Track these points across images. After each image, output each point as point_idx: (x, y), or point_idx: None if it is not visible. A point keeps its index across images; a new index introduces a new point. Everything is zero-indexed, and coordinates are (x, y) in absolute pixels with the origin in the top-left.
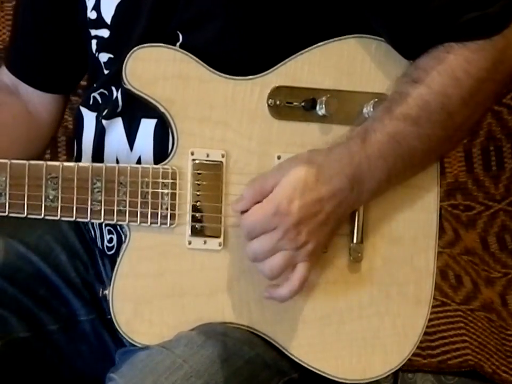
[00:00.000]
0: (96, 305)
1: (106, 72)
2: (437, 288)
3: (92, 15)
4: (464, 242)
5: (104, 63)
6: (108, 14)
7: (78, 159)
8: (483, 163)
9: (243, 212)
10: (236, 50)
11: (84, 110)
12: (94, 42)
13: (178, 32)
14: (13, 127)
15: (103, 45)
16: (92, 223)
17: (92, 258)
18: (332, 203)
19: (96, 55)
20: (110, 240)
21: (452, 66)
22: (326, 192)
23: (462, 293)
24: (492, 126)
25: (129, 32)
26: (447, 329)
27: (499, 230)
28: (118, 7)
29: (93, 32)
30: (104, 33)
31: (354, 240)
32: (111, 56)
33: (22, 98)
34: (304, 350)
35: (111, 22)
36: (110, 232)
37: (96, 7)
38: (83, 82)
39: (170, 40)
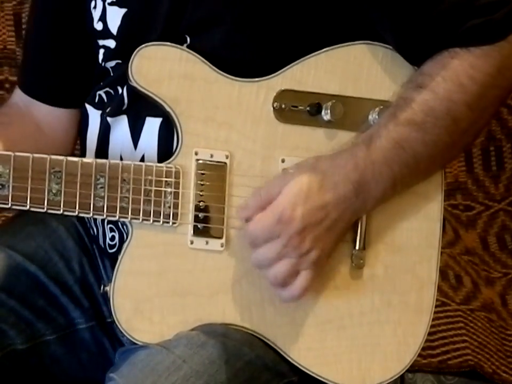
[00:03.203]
0: (95, 311)
1: (113, 74)
2: (437, 288)
3: (98, 26)
4: (464, 242)
5: (111, 67)
6: (113, 24)
7: (82, 156)
8: (483, 163)
9: (247, 220)
10: (242, 55)
11: (88, 108)
12: (101, 51)
13: (186, 35)
14: (21, 144)
15: (110, 54)
16: (94, 221)
17: (90, 261)
18: (337, 209)
19: (103, 64)
20: (112, 238)
21: (457, 72)
22: (330, 199)
23: (462, 293)
24: (492, 126)
25: (139, 40)
26: (447, 329)
27: (499, 230)
28: (124, 17)
29: (101, 42)
30: (111, 43)
31: (357, 247)
32: (119, 61)
33: (35, 118)
34: (304, 354)
35: (117, 32)
36: (112, 230)
37: (102, 18)
38: None
39: (177, 43)
